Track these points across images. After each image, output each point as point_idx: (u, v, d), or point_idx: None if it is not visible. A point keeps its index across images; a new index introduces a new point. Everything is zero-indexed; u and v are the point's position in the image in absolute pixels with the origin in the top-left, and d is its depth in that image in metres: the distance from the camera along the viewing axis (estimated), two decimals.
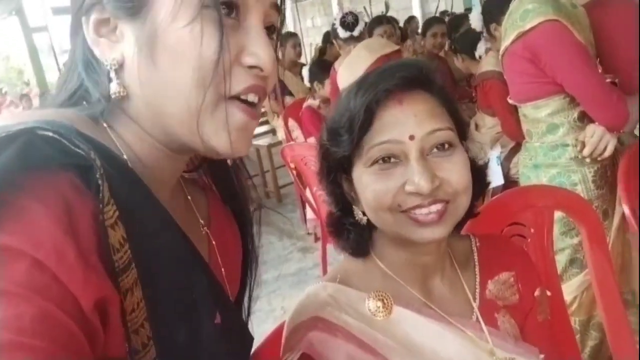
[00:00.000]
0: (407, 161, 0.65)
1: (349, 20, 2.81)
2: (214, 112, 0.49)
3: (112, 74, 0.50)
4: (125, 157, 0.51)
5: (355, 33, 2.80)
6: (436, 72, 0.72)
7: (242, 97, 0.51)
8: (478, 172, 0.74)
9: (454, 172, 0.65)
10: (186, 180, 0.68)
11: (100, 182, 0.41)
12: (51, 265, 0.37)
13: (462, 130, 0.72)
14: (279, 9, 0.55)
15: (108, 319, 0.42)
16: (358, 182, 0.70)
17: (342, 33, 2.83)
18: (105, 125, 0.52)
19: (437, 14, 6.52)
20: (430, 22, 3.62)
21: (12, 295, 0.36)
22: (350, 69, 2.57)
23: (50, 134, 0.41)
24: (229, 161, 0.68)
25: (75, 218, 0.40)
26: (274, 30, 0.56)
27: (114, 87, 0.50)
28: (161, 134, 0.52)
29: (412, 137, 0.64)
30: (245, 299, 0.72)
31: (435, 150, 0.66)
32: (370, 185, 0.67)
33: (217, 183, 0.72)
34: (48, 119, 0.45)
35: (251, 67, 0.50)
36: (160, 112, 0.50)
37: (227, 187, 0.71)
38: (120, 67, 0.50)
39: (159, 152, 0.54)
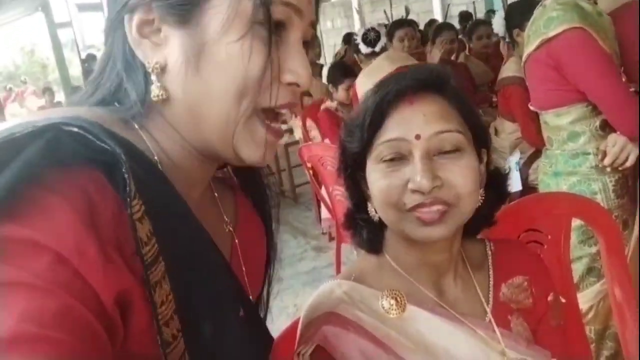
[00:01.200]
0: (412, 160, 0.67)
1: (371, 37, 2.85)
2: (246, 125, 0.51)
3: (154, 77, 0.50)
4: (155, 157, 0.52)
5: (377, 49, 2.83)
6: (450, 76, 0.73)
7: (277, 111, 0.53)
8: (496, 180, 0.74)
9: (459, 175, 0.66)
10: (215, 179, 0.69)
11: (126, 176, 0.42)
12: (73, 260, 0.38)
13: (478, 136, 0.72)
14: (315, 25, 0.57)
15: (130, 313, 0.43)
16: (369, 178, 0.72)
17: (364, 49, 2.87)
18: (136, 126, 0.52)
19: (458, 17, 6.49)
20: (440, 29, 3.61)
21: (35, 288, 0.37)
22: (370, 76, 2.57)
23: (76, 129, 0.42)
24: None
25: (97, 214, 0.41)
26: (308, 45, 0.57)
27: (155, 90, 0.50)
28: (197, 139, 0.53)
29: (418, 137, 0.66)
30: (264, 295, 0.74)
31: (442, 152, 0.67)
32: (377, 182, 0.69)
33: (243, 182, 0.73)
34: (75, 114, 0.46)
35: (290, 83, 0.52)
36: (199, 119, 0.51)
37: (253, 186, 0.72)
38: (161, 71, 0.50)
39: (191, 156, 0.55)
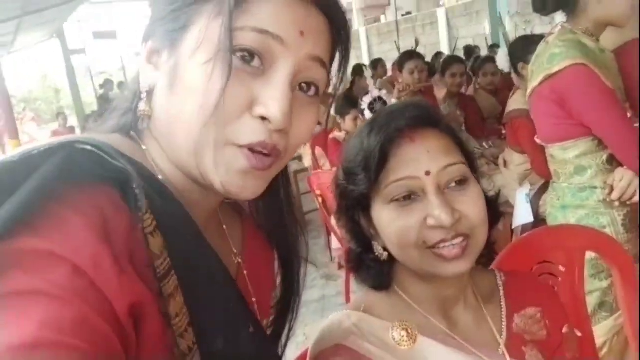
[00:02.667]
0: (425, 196, 0.67)
1: (377, 108, 2.81)
2: (217, 152, 0.49)
3: (143, 95, 0.54)
4: (160, 177, 0.53)
5: None
6: (440, 111, 0.75)
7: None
8: (489, 204, 0.75)
9: (471, 205, 0.68)
10: (223, 207, 0.69)
11: (137, 192, 0.44)
12: (89, 271, 0.39)
13: (472, 163, 0.74)
14: (325, 64, 0.53)
15: (143, 324, 0.44)
16: (378, 219, 0.72)
17: (369, 115, 2.85)
18: (144, 148, 0.55)
19: (463, 50, 6.59)
20: (449, 62, 3.61)
21: (54, 297, 0.38)
22: None
23: (90, 147, 0.45)
24: (280, 190, 0.68)
25: (111, 229, 0.42)
26: (316, 89, 0.54)
27: (141, 106, 0.54)
28: (177, 160, 0.53)
29: (427, 173, 0.67)
30: (283, 333, 0.73)
31: (452, 184, 0.68)
32: (392, 223, 0.69)
33: (265, 212, 0.71)
34: (89, 136, 0.48)
35: (262, 118, 0.49)
36: (173, 138, 0.52)
37: (275, 217, 0.70)
38: (151, 91, 0.54)
39: (184, 179, 0.55)
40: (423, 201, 0.67)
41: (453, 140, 0.72)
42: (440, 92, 3.40)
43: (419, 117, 0.70)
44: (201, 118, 0.48)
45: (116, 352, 0.40)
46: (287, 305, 0.72)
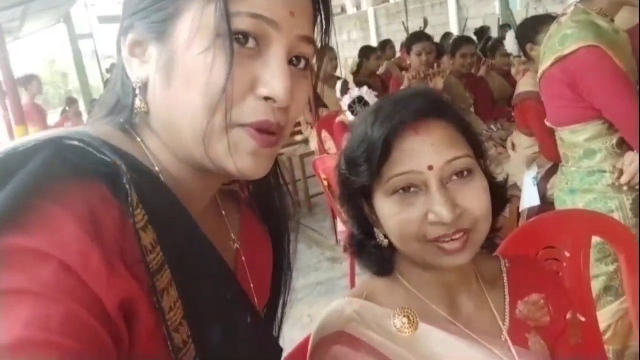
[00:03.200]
0: (428, 190, 0.66)
1: (358, 110, 2.56)
2: (223, 136, 0.50)
3: (137, 91, 0.53)
4: (157, 168, 0.53)
5: None
6: (447, 99, 0.73)
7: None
8: (496, 190, 0.74)
9: (474, 199, 0.67)
10: (221, 193, 0.69)
11: (127, 187, 0.43)
12: (77, 268, 0.39)
13: (478, 150, 0.73)
14: (312, 41, 0.55)
15: (136, 320, 0.43)
16: (380, 209, 0.71)
17: (350, 115, 2.62)
18: (139, 140, 0.54)
19: (473, 31, 6.50)
20: (459, 42, 3.56)
21: (40, 296, 0.37)
22: None
23: (76, 142, 0.44)
24: (270, 175, 0.68)
25: (100, 224, 0.42)
26: (306, 62, 0.55)
27: (137, 103, 0.53)
28: (181, 151, 0.53)
29: (430, 167, 0.66)
30: (279, 310, 0.73)
31: (454, 177, 0.67)
32: (393, 216, 0.69)
33: (256, 195, 0.73)
34: (79, 130, 0.48)
35: (266, 98, 0.50)
36: (176, 131, 0.52)
37: (265, 199, 0.72)
38: (144, 86, 0.53)
39: (186, 169, 0.55)
40: (425, 195, 0.67)
41: (459, 131, 0.70)
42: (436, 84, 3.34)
43: (424, 109, 0.68)
44: (207, 106, 0.48)
45: (106, 348, 0.40)
46: (279, 283, 0.73)
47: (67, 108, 6.84)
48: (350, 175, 0.72)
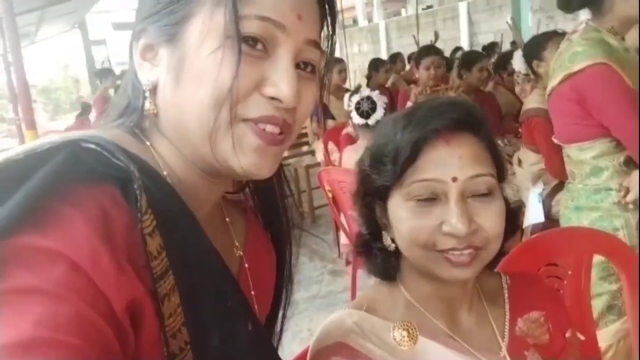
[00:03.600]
0: (447, 201, 0.66)
1: (364, 108, 2.48)
2: (228, 132, 0.51)
3: (147, 94, 0.54)
4: (165, 173, 0.54)
5: (371, 122, 2.46)
6: (484, 115, 0.72)
7: (260, 125, 0.52)
8: (510, 215, 0.74)
9: (490, 220, 0.67)
10: (227, 202, 0.70)
11: (138, 192, 0.44)
12: (87, 268, 0.40)
13: (501, 174, 0.73)
14: (319, 46, 0.56)
15: (142, 322, 0.44)
16: (394, 213, 0.71)
17: (357, 119, 2.52)
18: (148, 143, 0.55)
19: (482, 47, 6.52)
20: (475, 56, 3.57)
21: (50, 295, 0.38)
22: (353, 156, 2.50)
23: (93, 146, 0.45)
24: (274, 183, 0.70)
25: (111, 227, 0.43)
26: (312, 68, 0.57)
27: (147, 105, 0.55)
28: (190, 152, 0.55)
29: (455, 179, 0.66)
30: (278, 320, 0.73)
31: (475, 194, 0.67)
32: (407, 221, 0.68)
33: (261, 205, 0.73)
34: (92, 134, 0.49)
35: (272, 98, 0.51)
36: (184, 131, 0.53)
37: (270, 209, 0.72)
38: (154, 89, 0.54)
39: (194, 173, 0.56)
40: (443, 206, 0.67)
41: (488, 149, 0.70)
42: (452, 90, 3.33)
43: (459, 120, 0.68)
44: (214, 102, 0.49)
45: (113, 349, 0.40)
46: (280, 293, 0.73)
47: (81, 113, 6.92)
48: (372, 173, 0.72)
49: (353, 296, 2.67)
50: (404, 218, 0.69)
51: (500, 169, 0.72)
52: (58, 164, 0.42)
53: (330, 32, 0.59)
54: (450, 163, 0.66)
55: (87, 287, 0.40)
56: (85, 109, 7.00)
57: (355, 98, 2.54)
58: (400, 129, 0.69)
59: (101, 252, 0.41)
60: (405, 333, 0.71)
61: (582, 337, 0.86)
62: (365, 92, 2.55)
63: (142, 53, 0.54)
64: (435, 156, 0.67)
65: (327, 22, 0.59)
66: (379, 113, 2.46)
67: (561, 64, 1.55)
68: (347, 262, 3.33)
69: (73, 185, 0.42)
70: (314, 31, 0.55)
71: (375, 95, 2.51)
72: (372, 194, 0.74)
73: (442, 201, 0.67)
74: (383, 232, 0.76)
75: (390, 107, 2.81)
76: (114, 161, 0.45)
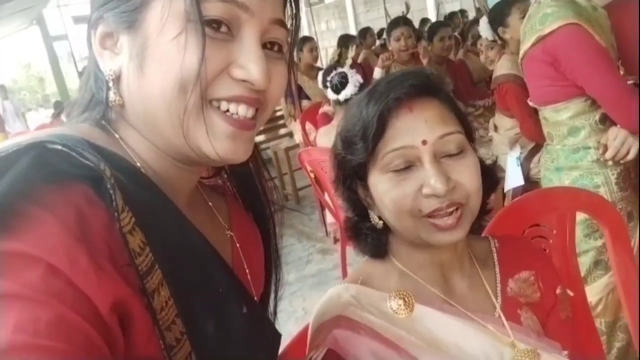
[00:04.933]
0: (422, 165, 0.68)
1: (335, 82, 2.47)
2: (199, 118, 0.50)
3: (110, 84, 0.53)
4: (138, 165, 0.53)
5: (341, 97, 2.45)
6: (441, 78, 0.75)
7: (231, 108, 0.52)
8: (487, 171, 0.76)
9: (466, 174, 0.69)
10: (205, 187, 0.70)
11: (111, 192, 0.43)
12: (65, 269, 0.39)
13: (469, 133, 0.75)
14: (284, 24, 0.56)
15: (131, 322, 0.43)
16: (375, 188, 0.72)
17: (330, 93, 2.52)
18: (117, 136, 0.54)
19: (456, 13, 6.53)
20: (436, 27, 3.60)
21: (28, 300, 0.37)
22: (329, 136, 2.51)
23: (59, 147, 0.44)
24: (251, 165, 0.70)
25: (87, 227, 0.42)
26: (279, 47, 0.56)
27: (111, 96, 0.53)
28: (161, 141, 0.54)
29: (424, 142, 0.67)
30: (271, 300, 0.74)
31: (448, 153, 0.69)
32: (388, 192, 0.69)
33: (239, 188, 0.74)
34: (59, 133, 0.47)
35: (243, 81, 0.51)
36: (152, 119, 0.52)
37: (250, 191, 0.73)
38: (117, 78, 0.53)
39: (166, 162, 0.55)
40: (419, 170, 0.68)
41: (451, 109, 0.72)
42: (424, 60, 3.35)
43: (418, 86, 0.70)
44: (181, 89, 0.48)
45: (98, 350, 0.39)
46: (270, 271, 0.74)
47: (54, 112, 6.73)
48: (346, 155, 0.73)
49: (344, 272, 2.70)
50: (385, 190, 0.70)
51: (468, 129, 0.74)
52: (24, 166, 0.41)
53: (295, 10, 0.58)
54: (417, 128, 0.68)
55: (66, 289, 0.39)
56: (58, 107, 6.80)
57: (326, 75, 2.54)
58: (365, 105, 0.71)
59: (77, 253, 0.40)
60: (401, 302, 0.72)
61: (571, 293, 0.89)
62: (344, 69, 2.53)
63: (101, 41, 0.53)
64: (401, 124, 0.69)
65: (290, 2, 0.58)
66: (350, 89, 2.45)
67: (532, 27, 1.56)
68: (335, 240, 3.36)
69: (42, 188, 0.41)
70: (277, 10, 0.54)
71: (350, 72, 2.50)
72: (351, 176, 0.75)
73: (417, 166, 0.68)
74: (369, 211, 0.77)
75: (365, 83, 2.80)
76: (82, 161, 0.44)
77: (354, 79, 2.48)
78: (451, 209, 0.67)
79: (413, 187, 0.68)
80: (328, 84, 2.52)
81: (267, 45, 0.55)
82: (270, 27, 0.53)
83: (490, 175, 0.78)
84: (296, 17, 0.59)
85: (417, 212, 0.68)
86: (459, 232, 0.68)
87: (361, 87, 2.47)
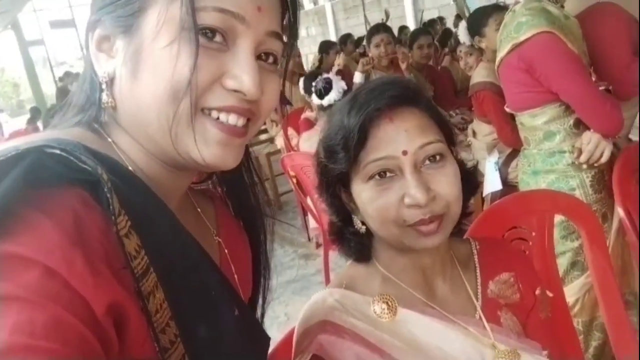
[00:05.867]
0: (403, 175, 0.69)
1: (319, 87, 2.51)
2: (189, 126, 0.50)
3: (104, 86, 0.53)
4: (131, 168, 0.53)
5: (325, 102, 2.49)
6: (420, 88, 0.76)
7: (222, 117, 0.52)
8: (467, 176, 0.77)
9: (446, 184, 0.70)
10: (194, 192, 0.71)
11: (108, 195, 0.43)
12: (62, 272, 0.39)
13: (450, 138, 0.76)
14: (280, 37, 0.56)
15: (127, 324, 0.44)
16: (358, 196, 0.73)
17: (314, 98, 2.56)
18: (110, 140, 0.54)
19: (436, 20, 6.62)
20: (416, 34, 3.66)
21: (24, 301, 0.37)
22: (311, 141, 2.52)
23: (58, 151, 0.44)
24: (243, 170, 0.70)
25: (84, 230, 0.42)
26: (274, 59, 0.56)
27: (104, 98, 0.54)
28: (151, 146, 0.54)
29: (405, 152, 0.68)
30: (259, 306, 0.75)
31: (427, 162, 0.70)
32: (372, 202, 0.70)
33: (229, 192, 0.74)
34: (56, 137, 0.47)
35: (235, 91, 0.51)
36: (143, 124, 0.52)
37: (239, 196, 0.73)
38: (111, 81, 0.53)
39: (157, 165, 0.56)
40: (400, 180, 0.69)
41: (431, 118, 0.73)
42: (403, 65, 3.39)
43: (398, 97, 0.71)
44: (172, 96, 0.49)
45: (94, 352, 0.40)
46: (258, 278, 0.74)
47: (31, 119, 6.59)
48: (328, 163, 0.74)
49: (327, 278, 2.70)
50: (368, 200, 0.71)
51: (449, 135, 0.76)
52: (23, 170, 0.41)
53: (292, 23, 0.59)
54: (397, 138, 0.69)
55: (63, 291, 0.39)
56: (34, 114, 6.67)
57: (317, 81, 2.56)
58: (346, 114, 0.71)
59: (74, 256, 0.40)
60: (384, 306, 0.73)
61: (551, 294, 0.91)
62: (329, 75, 2.56)
63: (97, 44, 0.53)
64: (382, 134, 0.69)
65: (289, 13, 0.58)
66: (334, 95, 2.47)
67: (507, 35, 1.60)
68: (317, 245, 3.35)
69: (41, 192, 0.41)
70: (274, 22, 0.55)
71: (335, 78, 2.52)
72: (334, 183, 0.76)
73: (398, 175, 0.69)
74: (353, 216, 0.78)
75: (346, 89, 2.82)
76: (80, 165, 0.44)
77: (338, 85, 2.50)
78: (433, 223, 0.68)
79: (395, 197, 0.68)
80: (313, 89, 2.54)
81: (262, 57, 0.55)
82: (265, 38, 0.54)
83: (471, 180, 0.80)
84: (293, 29, 0.59)
85: (402, 222, 0.69)
86: (440, 237, 0.70)
87: (344, 93, 2.49)
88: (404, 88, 0.72)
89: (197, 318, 0.50)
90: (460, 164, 0.76)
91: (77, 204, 0.43)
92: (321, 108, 2.56)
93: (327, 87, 2.50)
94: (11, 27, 9.87)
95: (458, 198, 0.71)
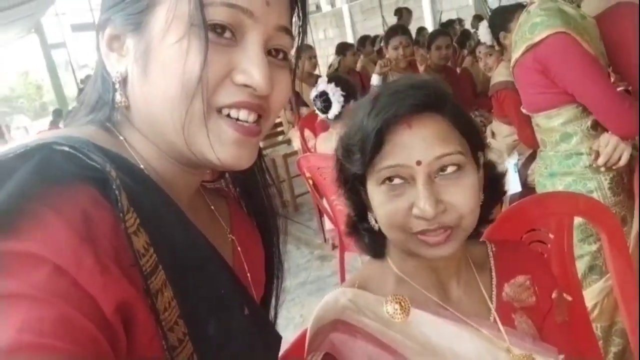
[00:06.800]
0: (415, 184, 0.68)
1: (319, 106, 2.50)
2: (202, 124, 0.50)
3: (117, 86, 0.54)
4: (142, 166, 0.53)
5: (330, 116, 2.49)
6: (447, 93, 0.72)
7: (232, 114, 0.52)
8: (494, 181, 0.76)
9: (460, 196, 0.67)
10: (207, 190, 0.71)
11: (117, 192, 0.43)
12: (71, 270, 0.39)
13: (475, 143, 0.73)
14: (290, 32, 0.56)
15: (134, 322, 0.44)
16: (371, 197, 0.73)
17: (321, 115, 2.58)
18: (122, 138, 0.55)
19: (440, 24, 6.57)
20: (434, 35, 3.62)
21: (33, 299, 0.37)
22: (328, 143, 2.52)
23: (67, 148, 0.44)
24: (255, 169, 0.70)
25: (94, 228, 0.42)
26: (284, 55, 0.56)
27: (117, 98, 0.54)
28: (164, 144, 0.54)
29: (419, 163, 0.66)
30: (272, 307, 0.74)
31: (442, 172, 0.68)
32: (381, 205, 0.70)
33: (242, 191, 0.74)
34: (66, 135, 0.48)
35: (245, 86, 0.51)
36: (156, 124, 0.52)
37: (253, 196, 0.73)
38: (124, 80, 0.54)
39: (169, 163, 0.56)
40: (412, 188, 0.68)
41: (455, 125, 0.70)
42: (421, 67, 3.37)
43: (420, 103, 0.68)
44: (184, 94, 0.49)
45: (102, 350, 0.40)
46: (271, 278, 0.74)
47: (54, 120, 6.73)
48: (345, 162, 0.74)
49: (342, 279, 2.70)
50: (379, 202, 0.70)
51: (475, 140, 0.73)
52: (33, 168, 0.41)
53: (302, 19, 0.59)
54: (413, 147, 0.67)
55: (72, 290, 0.39)
56: (56, 116, 6.80)
57: (314, 92, 2.53)
58: (366, 116, 0.70)
59: (84, 253, 0.40)
60: (397, 306, 0.73)
61: (569, 298, 0.89)
62: (321, 85, 2.50)
63: (108, 43, 0.54)
64: (399, 141, 0.68)
65: (298, 8, 0.58)
66: (336, 107, 2.44)
67: (522, 36, 1.58)
68: (334, 247, 3.35)
69: (50, 189, 0.42)
70: (284, 17, 0.54)
71: (330, 88, 2.46)
72: (352, 180, 0.76)
73: (410, 183, 0.68)
74: (368, 213, 0.78)
75: (362, 91, 2.81)
76: (89, 162, 0.44)
77: (336, 96, 2.44)
78: (440, 232, 0.67)
79: (405, 205, 0.67)
80: (314, 102, 2.52)
81: (272, 52, 0.55)
82: (275, 33, 0.53)
83: (497, 187, 0.78)
84: (303, 24, 0.59)
85: (408, 229, 0.68)
86: (449, 248, 0.68)
87: (354, 95, 2.46)
88: (427, 95, 0.69)
89: (206, 316, 0.50)
90: (488, 167, 0.74)
91: (86, 201, 0.43)
92: (327, 119, 2.54)
93: (327, 105, 2.47)
94: (34, 30, 10.09)
95: (473, 210, 0.69)
